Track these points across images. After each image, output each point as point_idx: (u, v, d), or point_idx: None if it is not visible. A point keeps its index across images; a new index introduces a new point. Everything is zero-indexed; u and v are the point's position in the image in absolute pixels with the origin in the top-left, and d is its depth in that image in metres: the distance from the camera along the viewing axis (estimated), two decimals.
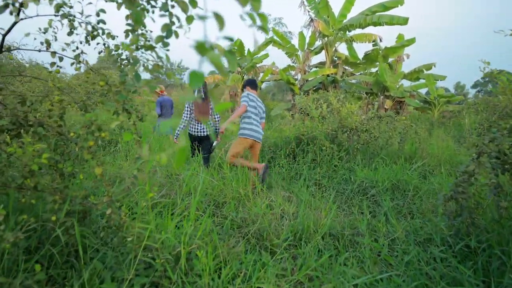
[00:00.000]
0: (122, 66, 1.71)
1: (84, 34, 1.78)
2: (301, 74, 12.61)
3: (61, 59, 1.80)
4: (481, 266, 2.05)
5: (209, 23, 0.54)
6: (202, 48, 0.49)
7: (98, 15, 1.57)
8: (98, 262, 1.78)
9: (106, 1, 1.58)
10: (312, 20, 11.55)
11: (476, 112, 8.32)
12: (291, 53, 12.81)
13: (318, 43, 12.57)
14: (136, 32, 1.45)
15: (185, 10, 0.96)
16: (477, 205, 2.41)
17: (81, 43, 1.81)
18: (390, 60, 12.20)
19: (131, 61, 1.41)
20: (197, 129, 4.55)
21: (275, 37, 12.52)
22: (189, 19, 1.03)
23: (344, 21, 11.58)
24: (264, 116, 4.35)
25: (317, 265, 2.12)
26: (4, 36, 1.78)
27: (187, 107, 4.51)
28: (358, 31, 11.67)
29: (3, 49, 1.84)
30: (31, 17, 1.57)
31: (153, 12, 1.54)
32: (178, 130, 4.56)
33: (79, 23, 1.72)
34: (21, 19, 1.55)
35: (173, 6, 1.33)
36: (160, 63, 1.38)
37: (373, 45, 12.11)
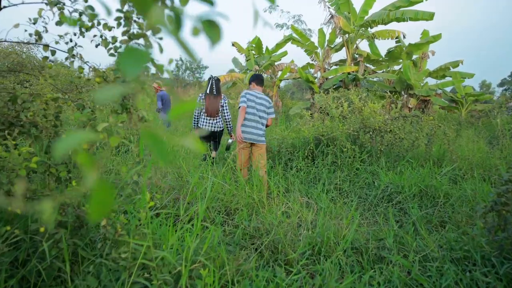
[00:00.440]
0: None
1: (78, 25, 1.60)
2: (321, 72, 12.23)
3: (53, 52, 1.62)
4: None
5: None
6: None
7: (86, 0, 1.37)
8: (93, 279, 1.59)
9: None
10: (332, 16, 11.17)
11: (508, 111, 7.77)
12: (311, 51, 12.44)
13: (338, 40, 12.16)
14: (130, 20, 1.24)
15: None
16: None
17: (75, 34, 1.62)
18: (414, 57, 11.64)
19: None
20: (209, 123, 4.73)
21: (294, 35, 12.19)
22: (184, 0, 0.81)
23: (366, 17, 11.14)
24: (271, 111, 4.20)
25: None
26: None
27: (198, 102, 4.67)
28: (380, 27, 11.20)
29: None
30: (15, 4, 1.39)
31: None
32: (194, 124, 4.88)
33: (70, 12, 1.53)
34: (4, 6, 1.37)
35: None
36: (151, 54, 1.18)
37: (396, 42, 11.59)
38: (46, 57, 1.66)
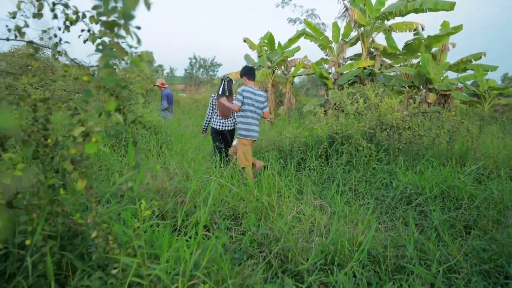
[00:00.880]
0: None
1: (63, 19, 1.47)
2: (335, 67, 11.91)
3: (36, 50, 1.49)
4: None
5: None
6: None
7: None
8: None
9: None
10: (347, 9, 10.83)
11: None
12: (325, 46, 12.14)
13: (353, 34, 11.80)
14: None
15: None
16: None
17: (59, 29, 1.49)
18: (433, 50, 11.19)
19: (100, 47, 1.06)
20: (221, 123, 4.77)
21: (307, 29, 11.91)
22: None
23: (382, 9, 10.76)
24: (266, 105, 4.31)
25: None
26: None
27: (211, 103, 4.81)
28: (397, 19, 10.80)
29: None
30: None
31: None
32: (204, 125, 5.00)
33: (54, 4, 1.40)
34: None
35: None
36: (124, 44, 1.03)
37: (414, 34, 11.15)
38: (31, 55, 1.53)
